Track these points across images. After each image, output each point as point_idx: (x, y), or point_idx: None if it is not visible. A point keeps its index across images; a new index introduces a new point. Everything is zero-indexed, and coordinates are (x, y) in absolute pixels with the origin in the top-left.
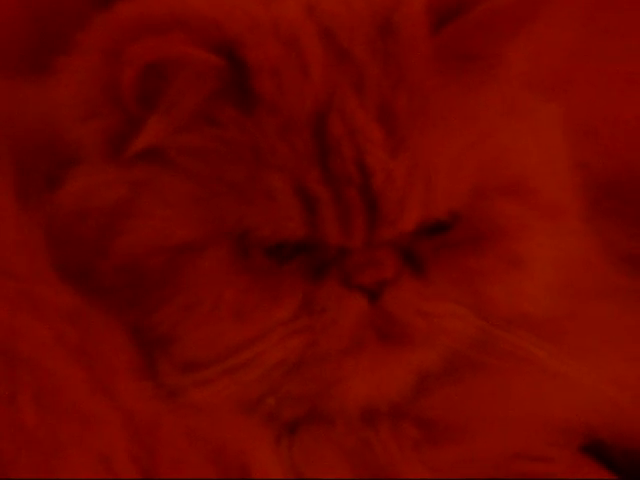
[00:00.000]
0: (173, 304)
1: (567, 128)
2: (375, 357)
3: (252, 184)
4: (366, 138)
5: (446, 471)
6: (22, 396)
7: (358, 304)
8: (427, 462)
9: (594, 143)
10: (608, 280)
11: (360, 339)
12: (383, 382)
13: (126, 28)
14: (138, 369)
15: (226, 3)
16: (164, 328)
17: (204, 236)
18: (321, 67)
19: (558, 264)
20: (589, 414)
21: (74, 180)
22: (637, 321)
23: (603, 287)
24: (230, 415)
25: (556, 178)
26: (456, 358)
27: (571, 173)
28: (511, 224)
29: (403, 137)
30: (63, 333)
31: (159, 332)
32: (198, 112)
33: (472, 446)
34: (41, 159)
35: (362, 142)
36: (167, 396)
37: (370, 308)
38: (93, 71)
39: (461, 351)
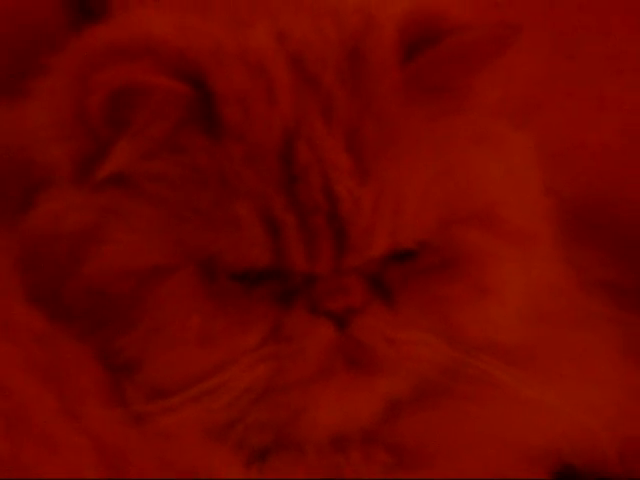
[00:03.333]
0: (139, 329)
1: (538, 154)
2: (343, 385)
3: (218, 211)
4: (334, 166)
5: None
6: None
7: (326, 332)
8: None
9: (564, 169)
10: (579, 306)
11: (328, 366)
12: (351, 409)
13: (95, 53)
14: (107, 394)
15: (195, 30)
16: (130, 353)
17: (171, 261)
18: (289, 94)
19: (528, 291)
20: (560, 440)
21: (44, 203)
22: (608, 347)
23: (574, 313)
24: (199, 441)
25: (526, 205)
26: (426, 384)
27: (542, 199)
28: (479, 252)
29: (371, 165)
30: (32, 356)
31: (125, 357)
32: (165, 139)
33: (443, 471)
34: (14, 181)
35: (329, 170)
36: (135, 422)
37: (338, 335)
38: (63, 95)
39: (430, 378)
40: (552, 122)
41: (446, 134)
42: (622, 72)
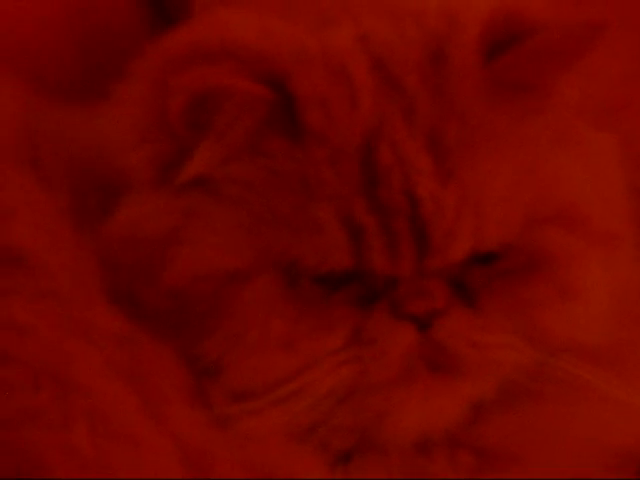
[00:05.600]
0: (221, 333)
1: (623, 154)
2: (426, 388)
3: (299, 214)
4: (415, 168)
5: None
6: (75, 421)
7: (408, 335)
8: None
9: None
10: None
11: (410, 370)
12: (435, 413)
13: (176, 57)
14: (189, 396)
15: (276, 33)
16: (212, 357)
17: (252, 265)
18: (370, 97)
19: (613, 292)
20: None
21: (125, 207)
22: None
23: None
24: (282, 444)
25: (610, 205)
26: (510, 386)
27: (626, 200)
28: (563, 253)
29: (453, 167)
30: (115, 358)
31: (208, 360)
32: (246, 142)
33: (528, 473)
34: (95, 185)
35: (411, 172)
36: (218, 424)
37: (420, 338)
38: (144, 99)
39: (515, 380)
40: (637, 122)
41: (528, 134)
42: None
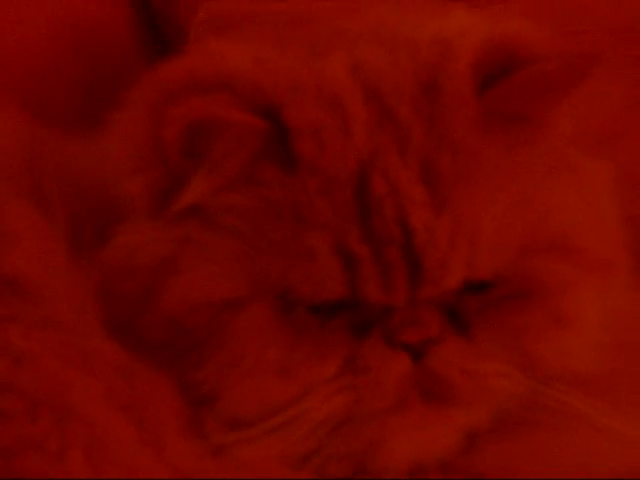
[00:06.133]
0: (216, 361)
1: (618, 181)
2: (420, 417)
3: (293, 243)
4: (408, 198)
5: None
6: (72, 451)
7: (402, 363)
8: None
9: None
10: None
11: (404, 398)
12: (429, 441)
13: (171, 86)
14: (186, 425)
15: (270, 63)
16: (208, 385)
17: (247, 293)
18: (363, 127)
19: (607, 320)
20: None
21: (121, 236)
22: None
23: None
24: (278, 472)
25: (604, 234)
26: (504, 415)
27: (621, 228)
28: (557, 282)
29: (446, 197)
30: (113, 388)
31: (203, 389)
32: (240, 172)
33: None
34: (92, 213)
35: (404, 202)
36: (214, 453)
37: (414, 367)
38: (140, 127)
39: (509, 409)
40: (634, 151)
41: (522, 164)
42: None
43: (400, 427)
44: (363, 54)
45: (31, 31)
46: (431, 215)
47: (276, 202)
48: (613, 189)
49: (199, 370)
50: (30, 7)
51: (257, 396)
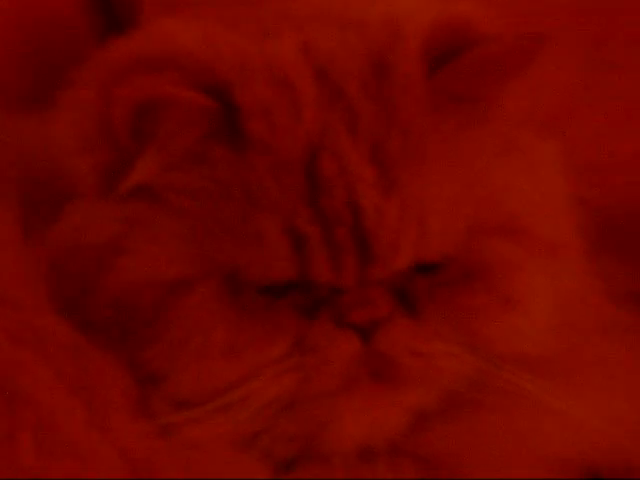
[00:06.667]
0: (163, 341)
1: (568, 164)
2: (368, 397)
3: (242, 223)
4: (358, 178)
5: None
6: (22, 433)
7: (350, 344)
8: None
9: (594, 179)
10: (607, 317)
11: (353, 379)
12: (377, 422)
13: (119, 66)
14: (134, 405)
15: (219, 42)
16: (155, 365)
17: (195, 273)
18: (313, 107)
19: (556, 302)
20: (587, 450)
21: (69, 215)
22: (636, 357)
23: (603, 324)
24: (226, 452)
25: (554, 216)
26: (453, 396)
27: (571, 210)
28: (506, 263)
29: (396, 177)
30: (61, 367)
31: (150, 369)
32: (189, 152)
33: None
34: (44, 193)
35: (354, 182)
36: (162, 433)
37: (363, 347)
38: (87, 107)
39: (457, 389)
40: (584, 132)
41: (472, 145)
42: None
43: (348, 408)
44: (313, 34)
45: None
46: (380, 196)
47: (225, 182)
48: (563, 170)
49: (147, 350)
50: None
51: (204, 376)
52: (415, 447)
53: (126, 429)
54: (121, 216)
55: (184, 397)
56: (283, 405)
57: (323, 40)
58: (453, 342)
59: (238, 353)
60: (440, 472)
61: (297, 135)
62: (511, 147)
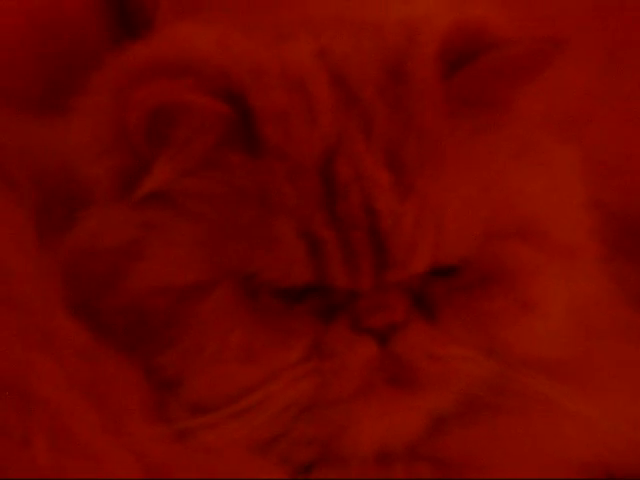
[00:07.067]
0: (179, 346)
1: (584, 167)
2: (386, 401)
3: (258, 228)
4: (374, 182)
5: None
6: (36, 436)
7: (367, 348)
8: None
9: (611, 182)
10: (623, 320)
11: (370, 383)
12: (395, 426)
13: (135, 70)
14: (150, 409)
15: (236, 47)
16: (172, 370)
17: (210, 278)
18: (329, 112)
19: (572, 305)
20: (605, 452)
21: (86, 220)
22: None
23: (618, 327)
24: (243, 456)
25: (570, 219)
26: (470, 400)
27: (587, 213)
28: (522, 267)
29: (412, 181)
30: (76, 371)
31: (167, 374)
32: (205, 157)
33: None
34: (59, 198)
35: (370, 186)
36: (178, 438)
37: (380, 352)
38: (104, 112)
39: (474, 393)
40: (601, 135)
41: (488, 148)
42: None
43: (366, 412)
44: (328, 40)
45: None
46: (396, 200)
47: (241, 187)
48: (580, 174)
49: (163, 354)
50: None
51: (221, 381)
52: (433, 451)
53: (141, 433)
54: (137, 221)
55: (201, 402)
56: (300, 410)
57: (339, 45)
58: (470, 346)
59: (254, 357)
60: (458, 476)
61: (313, 140)
62: (528, 150)
